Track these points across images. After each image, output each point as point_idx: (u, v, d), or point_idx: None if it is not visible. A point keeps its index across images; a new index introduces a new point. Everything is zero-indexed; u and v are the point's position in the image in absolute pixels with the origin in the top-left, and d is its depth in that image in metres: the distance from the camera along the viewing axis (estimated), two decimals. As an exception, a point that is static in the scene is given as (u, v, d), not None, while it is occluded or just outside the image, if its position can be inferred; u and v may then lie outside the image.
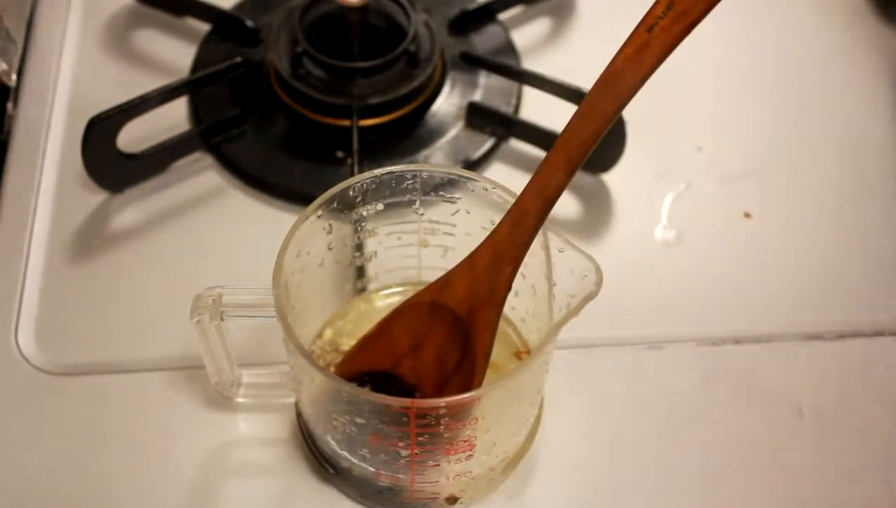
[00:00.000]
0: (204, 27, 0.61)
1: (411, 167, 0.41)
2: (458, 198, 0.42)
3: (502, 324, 0.41)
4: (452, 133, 0.56)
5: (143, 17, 0.62)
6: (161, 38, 0.61)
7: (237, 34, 0.59)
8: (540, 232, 0.38)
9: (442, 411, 0.36)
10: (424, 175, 0.41)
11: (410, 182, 0.41)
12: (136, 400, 0.46)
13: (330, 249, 0.42)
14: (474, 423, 0.38)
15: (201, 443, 0.44)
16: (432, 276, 0.41)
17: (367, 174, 0.41)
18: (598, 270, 0.37)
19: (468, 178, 0.41)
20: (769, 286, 0.51)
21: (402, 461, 0.39)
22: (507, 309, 0.40)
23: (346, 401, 0.37)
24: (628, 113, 0.38)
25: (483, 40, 0.60)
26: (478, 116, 0.56)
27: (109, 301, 0.49)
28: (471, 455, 0.39)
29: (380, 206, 0.42)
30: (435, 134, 0.56)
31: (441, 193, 0.42)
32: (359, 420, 0.38)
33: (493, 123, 0.56)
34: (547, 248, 0.38)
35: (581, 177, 0.54)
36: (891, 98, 0.59)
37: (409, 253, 0.45)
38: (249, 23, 0.59)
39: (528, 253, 0.38)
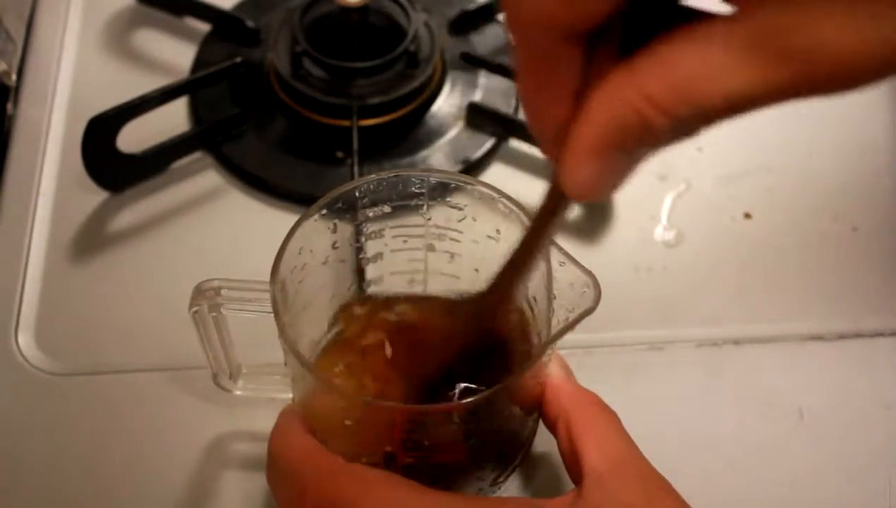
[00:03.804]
0: (204, 27, 0.61)
1: (419, 172, 0.41)
2: (465, 205, 0.42)
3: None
4: (452, 133, 0.56)
5: (143, 17, 0.62)
6: (161, 38, 0.61)
7: (237, 34, 0.59)
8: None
9: (426, 418, 0.36)
10: (432, 180, 0.41)
11: (418, 186, 0.41)
12: (136, 400, 0.46)
13: (335, 248, 0.42)
14: (462, 431, 0.37)
15: (201, 442, 0.44)
16: (439, 281, 0.41)
17: (374, 176, 0.40)
18: (596, 286, 0.36)
19: (475, 186, 0.41)
20: (769, 286, 0.51)
21: (393, 465, 0.39)
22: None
23: (335, 402, 0.37)
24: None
25: (483, 40, 0.60)
26: (478, 116, 0.56)
27: (109, 301, 0.49)
28: (462, 462, 0.39)
29: (386, 208, 0.42)
30: (435, 134, 0.56)
31: (448, 199, 0.42)
32: (347, 421, 0.38)
33: (493, 123, 0.56)
34: (548, 261, 0.38)
35: (581, 178, 0.53)
36: (891, 98, 0.59)
37: (416, 256, 0.45)
38: (249, 23, 0.59)
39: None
